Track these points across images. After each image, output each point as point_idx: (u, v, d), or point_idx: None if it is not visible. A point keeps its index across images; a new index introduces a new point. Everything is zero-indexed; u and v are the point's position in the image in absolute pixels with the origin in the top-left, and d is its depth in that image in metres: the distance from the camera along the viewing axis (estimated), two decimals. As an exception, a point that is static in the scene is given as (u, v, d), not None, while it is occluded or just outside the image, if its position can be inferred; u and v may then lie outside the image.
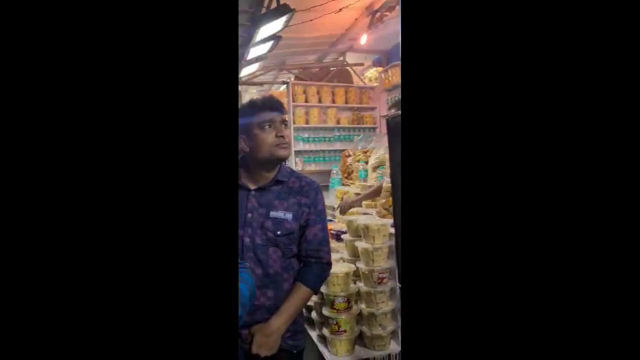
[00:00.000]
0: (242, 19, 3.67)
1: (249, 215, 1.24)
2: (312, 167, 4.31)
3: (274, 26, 3.06)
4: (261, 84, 5.37)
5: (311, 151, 4.39)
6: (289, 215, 1.24)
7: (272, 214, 1.24)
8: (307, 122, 4.36)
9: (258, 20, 2.95)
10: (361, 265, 1.69)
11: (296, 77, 4.72)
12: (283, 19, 2.86)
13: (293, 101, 4.29)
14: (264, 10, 3.08)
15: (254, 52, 4.11)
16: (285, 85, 4.38)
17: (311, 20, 3.43)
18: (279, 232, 1.23)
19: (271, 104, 1.26)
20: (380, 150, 2.72)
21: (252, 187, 1.28)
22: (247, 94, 5.88)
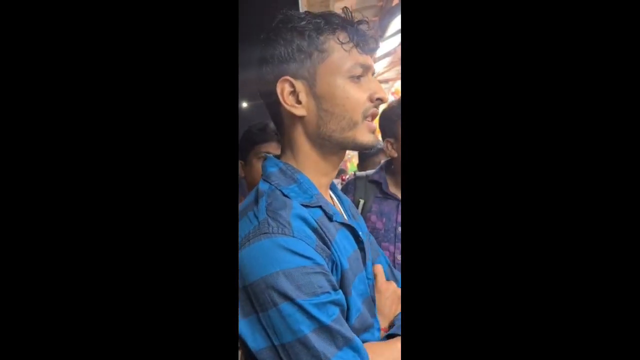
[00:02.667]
0: (369, 14, 3.56)
1: (399, 229, 1.10)
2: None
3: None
4: (386, 81, 5.22)
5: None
6: None
7: None
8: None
9: (390, 13, 2.79)
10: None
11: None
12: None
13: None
14: (395, 2, 2.90)
15: (381, 49, 3.98)
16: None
17: None
18: (434, 251, 1.05)
19: None
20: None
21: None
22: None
